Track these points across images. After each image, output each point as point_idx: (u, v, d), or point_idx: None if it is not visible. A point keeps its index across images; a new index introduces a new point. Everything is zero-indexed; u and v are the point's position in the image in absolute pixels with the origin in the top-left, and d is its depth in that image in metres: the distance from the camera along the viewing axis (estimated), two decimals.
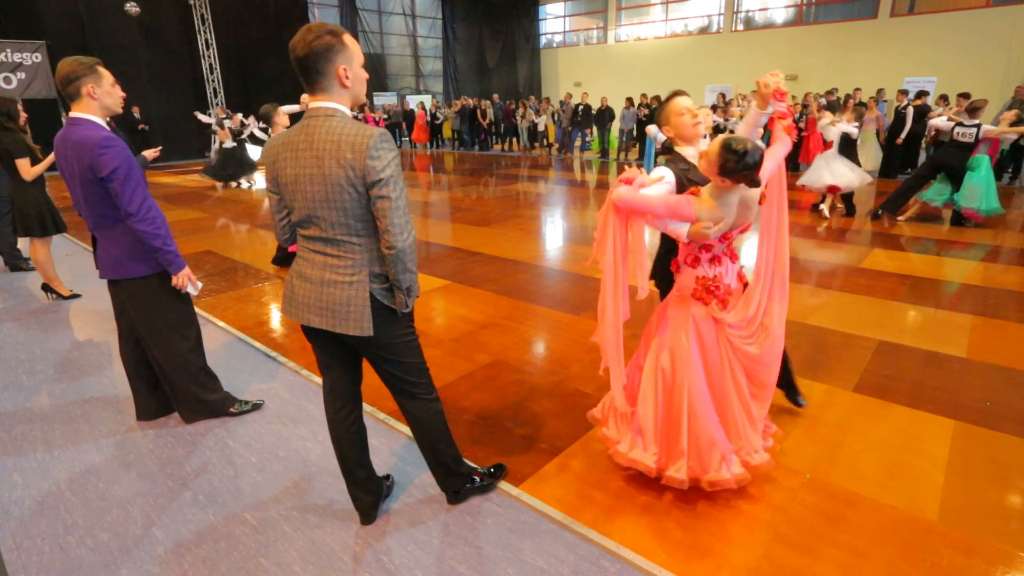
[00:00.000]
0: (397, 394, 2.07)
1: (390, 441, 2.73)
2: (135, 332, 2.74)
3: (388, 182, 1.68)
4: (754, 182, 1.96)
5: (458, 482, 2.26)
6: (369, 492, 2.18)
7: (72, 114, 2.43)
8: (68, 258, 6.15)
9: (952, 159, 6.81)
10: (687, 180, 2.18)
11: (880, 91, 13.00)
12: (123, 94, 2.58)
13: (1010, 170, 10.05)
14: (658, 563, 1.98)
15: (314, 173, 1.70)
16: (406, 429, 2.78)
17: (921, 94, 10.59)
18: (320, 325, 1.85)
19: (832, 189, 7.35)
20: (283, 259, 5.67)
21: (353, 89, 1.77)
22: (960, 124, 6.68)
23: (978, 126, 6.58)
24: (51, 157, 4.38)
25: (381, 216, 1.71)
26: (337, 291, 1.81)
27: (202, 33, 16.03)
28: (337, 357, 2.02)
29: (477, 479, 2.34)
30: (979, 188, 6.66)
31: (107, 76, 2.47)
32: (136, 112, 14.19)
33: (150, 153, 3.49)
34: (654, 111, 12.98)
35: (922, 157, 11.49)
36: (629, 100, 14.66)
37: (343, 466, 2.12)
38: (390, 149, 1.70)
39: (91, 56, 2.47)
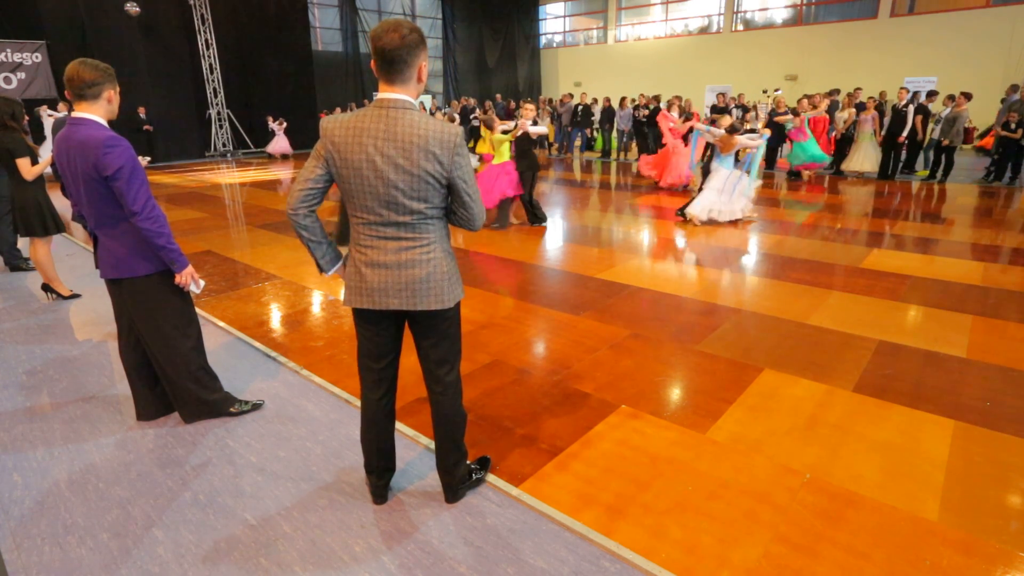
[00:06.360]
0: (434, 381, 2.13)
1: None
2: (135, 331, 2.74)
3: (469, 173, 1.88)
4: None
5: (457, 479, 2.29)
6: (382, 474, 2.28)
7: (76, 114, 2.44)
8: (68, 258, 6.15)
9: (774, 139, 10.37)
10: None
11: (882, 93, 13.01)
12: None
13: (1009, 170, 10.04)
14: (658, 563, 1.98)
15: (400, 164, 1.79)
16: (407, 429, 2.79)
17: (931, 94, 10.54)
18: (400, 306, 1.94)
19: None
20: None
21: (423, 84, 1.91)
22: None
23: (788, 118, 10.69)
24: (51, 156, 4.39)
25: (465, 204, 1.91)
26: (417, 270, 1.92)
27: (202, 33, 16.02)
28: (395, 343, 2.11)
29: (472, 475, 2.40)
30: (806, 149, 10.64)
31: (116, 83, 2.57)
32: (142, 112, 14.18)
33: (142, 161, 3.52)
34: (654, 111, 13.03)
35: (921, 158, 11.51)
36: (623, 100, 14.61)
37: (373, 448, 2.20)
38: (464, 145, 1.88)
39: (91, 57, 2.52)
